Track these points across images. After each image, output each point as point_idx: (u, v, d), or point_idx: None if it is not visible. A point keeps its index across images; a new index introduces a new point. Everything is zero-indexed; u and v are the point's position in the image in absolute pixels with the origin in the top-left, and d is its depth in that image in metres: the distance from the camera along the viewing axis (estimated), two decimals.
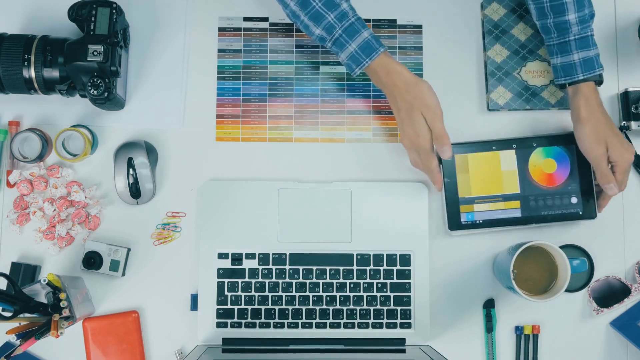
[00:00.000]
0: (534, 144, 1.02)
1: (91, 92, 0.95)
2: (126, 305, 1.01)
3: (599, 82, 0.97)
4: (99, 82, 0.95)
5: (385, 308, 1.00)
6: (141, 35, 1.05)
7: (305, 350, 0.97)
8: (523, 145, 1.02)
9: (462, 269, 1.02)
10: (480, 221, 1.01)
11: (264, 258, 1.00)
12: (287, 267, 1.00)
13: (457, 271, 1.02)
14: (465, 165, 1.01)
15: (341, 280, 1.00)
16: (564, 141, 1.02)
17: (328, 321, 0.99)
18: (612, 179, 0.95)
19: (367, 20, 1.06)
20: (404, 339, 0.99)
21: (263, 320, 0.99)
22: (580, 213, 1.01)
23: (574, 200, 1.01)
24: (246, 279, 1.00)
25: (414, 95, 0.93)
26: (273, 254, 1.00)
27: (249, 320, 0.99)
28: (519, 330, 1.01)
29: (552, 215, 1.01)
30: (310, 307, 0.99)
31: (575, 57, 0.95)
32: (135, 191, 1.00)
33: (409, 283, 1.00)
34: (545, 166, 1.01)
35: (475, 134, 1.04)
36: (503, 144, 1.02)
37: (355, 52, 0.93)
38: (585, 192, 1.01)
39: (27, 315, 0.87)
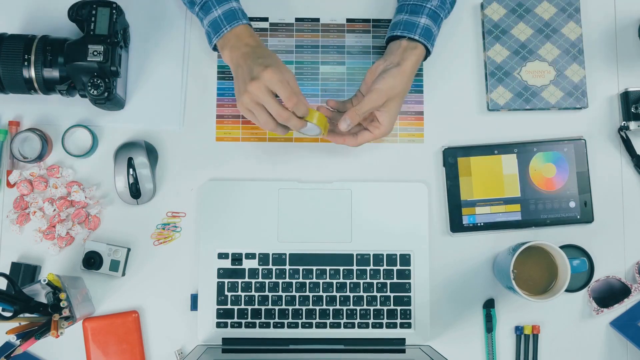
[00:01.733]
0: (535, 149, 1.02)
1: (91, 92, 0.95)
2: (126, 305, 1.01)
3: (426, 55, 0.97)
4: (99, 82, 0.95)
5: (385, 308, 1.00)
6: (141, 35, 1.05)
7: (305, 350, 0.97)
8: (524, 150, 1.02)
9: (462, 269, 1.02)
10: (482, 224, 1.01)
11: (264, 258, 1.00)
12: (287, 267, 1.00)
13: (457, 271, 1.02)
14: (467, 168, 1.02)
15: (341, 280, 1.00)
16: (564, 146, 1.02)
17: (328, 321, 0.99)
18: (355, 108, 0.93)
19: (367, 21, 1.06)
20: (404, 339, 0.99)
21: (263, 320, 0.99)
22: (578, 217, 1.02)
23: (572, 204, 1.01)
24: (246, 279, 1.00)
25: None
26: (273, 254, 1.00)
27: (249, 320, 0.99)
28: (519, 330, 1.01)
29: (551, 218, 1.01)
30: (310, 307, 0.99)
31: (422, 21, 0.95)
32: (135, 191, 1.00)
33: (409, 283, 1.00)
34: (545, 171, 1.02)
35: (475, 134, 1.04)
36: (505, 148, 1.02)
37: (219, 18, 0.94)
38: (583, 196, 1.01)
39: (27, 315, 0.87)
